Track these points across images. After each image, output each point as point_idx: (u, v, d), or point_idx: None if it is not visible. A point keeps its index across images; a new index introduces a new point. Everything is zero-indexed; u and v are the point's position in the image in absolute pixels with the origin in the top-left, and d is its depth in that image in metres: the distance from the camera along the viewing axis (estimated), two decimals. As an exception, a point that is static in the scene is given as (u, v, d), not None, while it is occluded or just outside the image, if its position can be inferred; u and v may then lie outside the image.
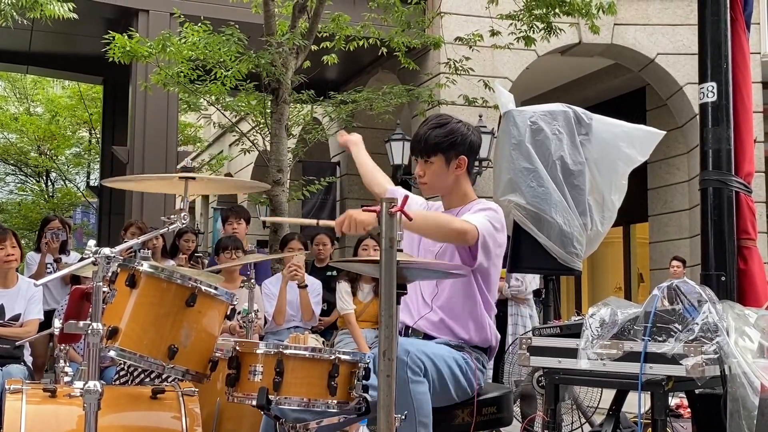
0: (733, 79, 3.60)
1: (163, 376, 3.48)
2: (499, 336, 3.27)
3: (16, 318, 5.23)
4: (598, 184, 4.45)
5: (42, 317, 5.39)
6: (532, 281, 6.61)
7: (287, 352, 2.74)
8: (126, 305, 2.82)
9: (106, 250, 2.71)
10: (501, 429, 4.68)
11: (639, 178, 12.97)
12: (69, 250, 6.80)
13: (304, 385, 2.73)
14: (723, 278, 3.45)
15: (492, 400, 3.11)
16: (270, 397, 2.68)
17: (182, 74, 8.74)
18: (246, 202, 13.68)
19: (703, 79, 3.62)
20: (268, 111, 9.10)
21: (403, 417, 2.56)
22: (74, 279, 5.71)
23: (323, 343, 5.10)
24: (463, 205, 3.20)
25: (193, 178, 3.01)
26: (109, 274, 2.76)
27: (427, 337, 3.11)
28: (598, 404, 5.43)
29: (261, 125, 10.12)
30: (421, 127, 3.21)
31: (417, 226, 2.77)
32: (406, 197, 2.46)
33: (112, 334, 2.75)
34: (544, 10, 8.99)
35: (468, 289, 3.11)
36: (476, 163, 11.38)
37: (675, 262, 10.48)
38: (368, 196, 2.78)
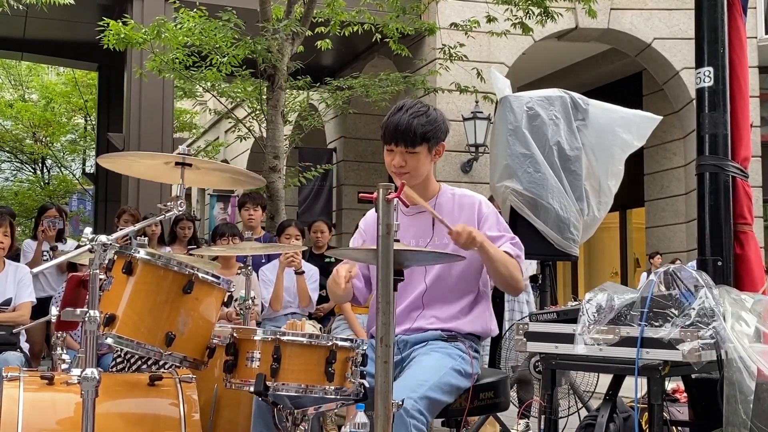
0: (729, 64, 3.59)
1: (161, 363, 3.48)
2: (497, 325, 3.29)
3: (8, 303, 5.21)
4: (595, 169, 4.45)
5: (34, 300, 5.39)
6: (529, 267, 6.59)
7: (284, 338, 2.74)
8: (123, 292, 2.81)
9: (103, 238, 2.70)
10: (498, 414, 4.72)
11: (635, 163, 12.97)
12: (65, 237, 6.79)
13: (301, 371, 2.73)
14: (719, 263, 3.46)
15: (489, 385, 3.13)
16: (267, 383, 2.69)
17: (177, 61, 8.69)
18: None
19: (699, 63, 3.61)
20: (264, 97, 9.06)
21: (400, 403, 2.56)
22: (71, 266, 5.70)
23: (320, 329, 5.10)
24: (434, 196, 3.18)
25: (190, 165, 3.00)
26: (106, 261, 2.75)
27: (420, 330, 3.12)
28: (594, 389, 5.43)
29: (257, 112, 10.09)
30: (396, 114, 3.03)
31: (493, 258, 2.96)
32: (403, 184, 2.45)
33: (109, 321, 2.75)
34: (541, -7, 8.96)
35: (465, 280, 3.13)
36: (473, 149, 11.44)
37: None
38: (364, 183, 2.76)
